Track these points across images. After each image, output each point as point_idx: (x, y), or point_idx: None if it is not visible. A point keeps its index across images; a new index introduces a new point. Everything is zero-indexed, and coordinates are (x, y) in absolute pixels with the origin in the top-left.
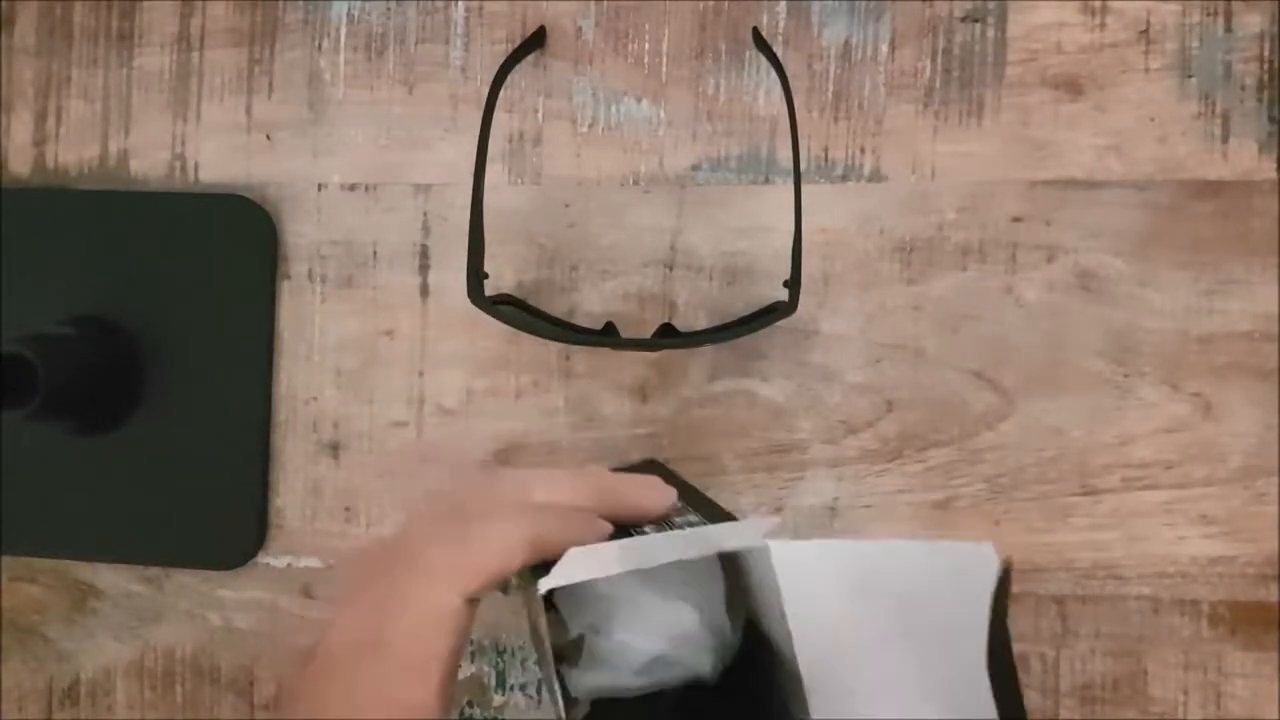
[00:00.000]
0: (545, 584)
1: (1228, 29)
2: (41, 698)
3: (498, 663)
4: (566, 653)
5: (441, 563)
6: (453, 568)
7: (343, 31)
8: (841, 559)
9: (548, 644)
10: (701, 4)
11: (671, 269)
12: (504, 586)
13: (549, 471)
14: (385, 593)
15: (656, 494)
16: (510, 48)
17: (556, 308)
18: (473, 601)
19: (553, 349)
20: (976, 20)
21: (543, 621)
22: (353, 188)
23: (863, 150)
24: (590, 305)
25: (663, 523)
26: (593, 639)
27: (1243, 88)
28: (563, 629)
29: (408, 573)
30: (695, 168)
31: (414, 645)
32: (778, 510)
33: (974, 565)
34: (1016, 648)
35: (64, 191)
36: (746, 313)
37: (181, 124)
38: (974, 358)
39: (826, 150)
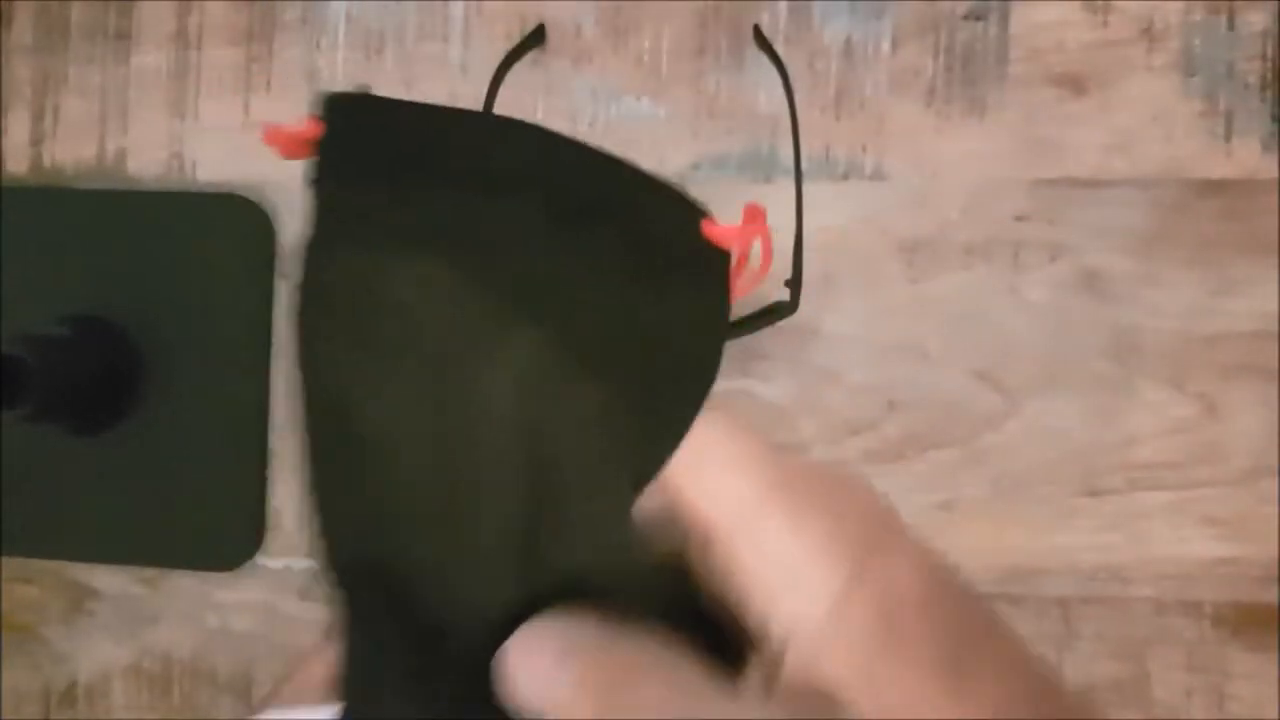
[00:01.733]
0: None
1: (1230, 27)
2: (39, 700)
3: None
4: None
5: None
6: None
7: (341, 29)
8: None
9: None
10: (702, 2)
11: None
12: None
13: None
14: None
15: None
16: (509, 46)
17: None
18: None
19: None
20: (979, 18)
21: None
22: None
23: (864, 149)
24: None
25: None
26: None
27: (1246, 86)
28: None
29: None
30: (696, 166)
31: None
32: None
33: None
34: None
35: (61, 191)
36: (747, 313)
37: (179, 122)
38: (977, 358)
39: (828, 149)
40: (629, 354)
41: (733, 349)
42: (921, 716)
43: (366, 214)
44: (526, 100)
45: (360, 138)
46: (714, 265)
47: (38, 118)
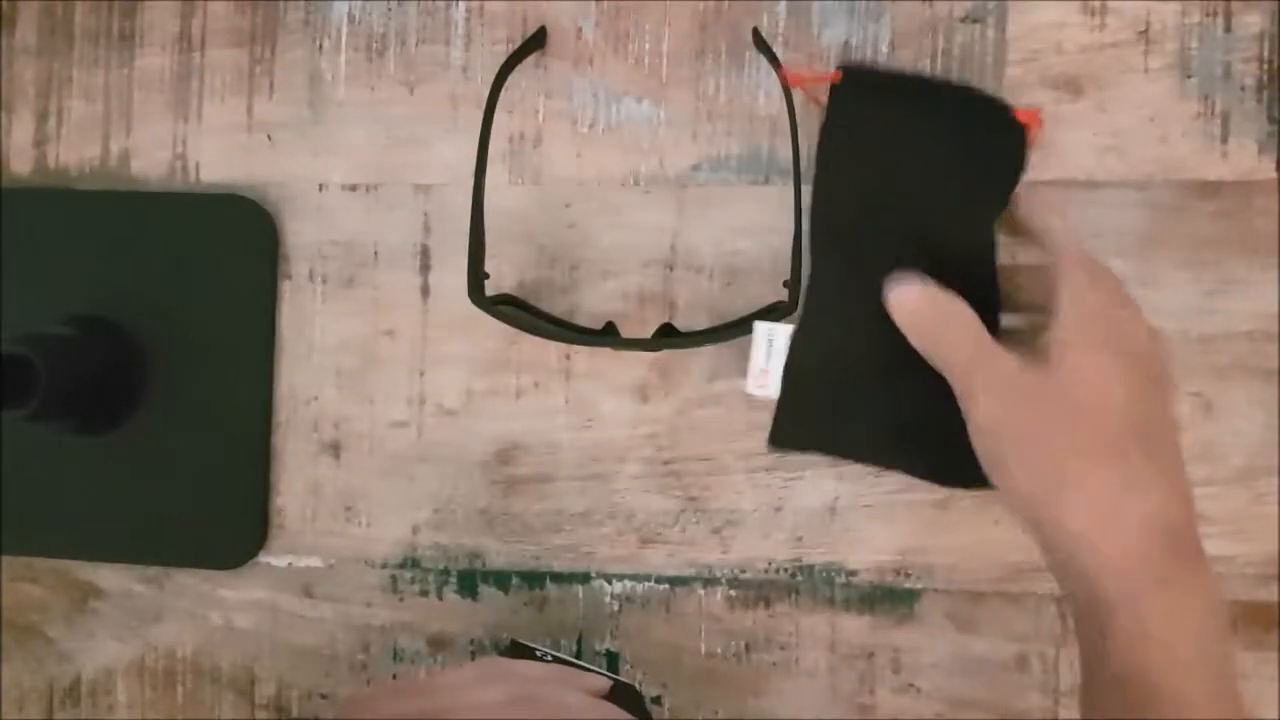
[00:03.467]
0: None
1: (1227, 29)
2: (42, 698)
3: None
4: None
5: None
6: None
7: (343, 32)
8: None
9: None
10: (702, 4)
11: (672, 269)
12: None
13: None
14: None
15: None
16: (511, 48)
17: (557, 308)
18: None
19: (553, 349)
20: (976, 20)
21: None
22: (353, 188)
23: None
24: (590, 305)
25: None
26: None
27: (1242, 88)
28: None
29: None
30: (695, 168)
31: None
32: (777, 510)
33: None
34: (1016, 649)
35: (65, 192)
36: (746, 313)
37: (182, 124)
38: None
39: None
40: (990, 159)
41: (732, 349)
42: None
43: (868, 120)
44: (528, 101)
45: (864, 83)
46: (1019, 126)
47: (42, 119)
